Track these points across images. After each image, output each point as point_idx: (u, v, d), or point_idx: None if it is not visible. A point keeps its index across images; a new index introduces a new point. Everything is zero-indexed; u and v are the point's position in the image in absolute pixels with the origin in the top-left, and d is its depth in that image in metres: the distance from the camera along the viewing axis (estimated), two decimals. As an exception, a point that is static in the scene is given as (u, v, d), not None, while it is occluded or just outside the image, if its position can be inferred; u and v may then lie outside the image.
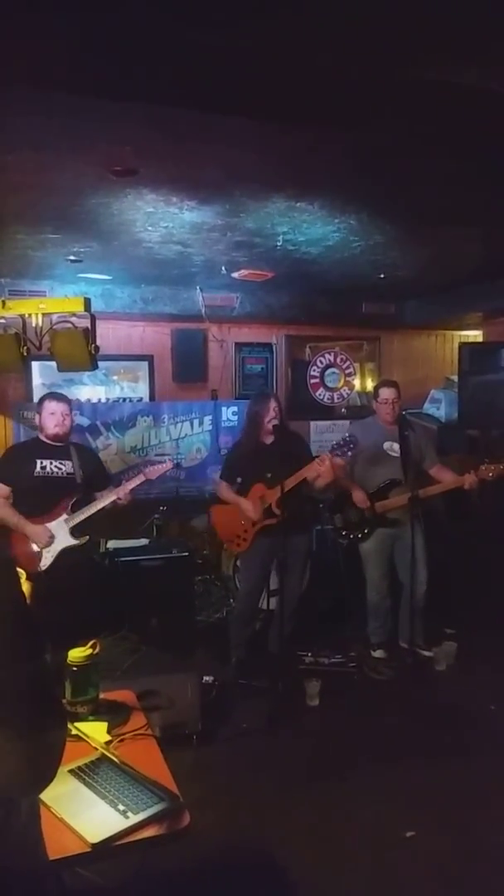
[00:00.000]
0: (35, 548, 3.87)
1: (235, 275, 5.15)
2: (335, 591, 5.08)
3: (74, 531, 3.92)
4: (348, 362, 6.90)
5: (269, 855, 2.70)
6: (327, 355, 6.84)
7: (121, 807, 1.66)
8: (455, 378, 6.37)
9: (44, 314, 3.93)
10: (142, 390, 6.28)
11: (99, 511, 3.99)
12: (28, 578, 3.75)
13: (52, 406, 3.98)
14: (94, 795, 1.72)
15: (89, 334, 3.86)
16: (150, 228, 3.88)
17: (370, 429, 4.57)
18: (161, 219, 3.69)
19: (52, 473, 3.94)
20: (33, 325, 3.95)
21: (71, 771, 1.81)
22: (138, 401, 6.21)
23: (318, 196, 3.37)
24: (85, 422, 5.72)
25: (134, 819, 1.62)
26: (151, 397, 6.27)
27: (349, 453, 4.12)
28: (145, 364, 6.27)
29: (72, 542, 3.91)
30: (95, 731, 2.05)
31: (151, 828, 1.62)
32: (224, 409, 6.20)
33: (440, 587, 4.58)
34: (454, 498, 5.44)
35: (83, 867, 1.89)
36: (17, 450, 4.35)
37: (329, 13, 1.83)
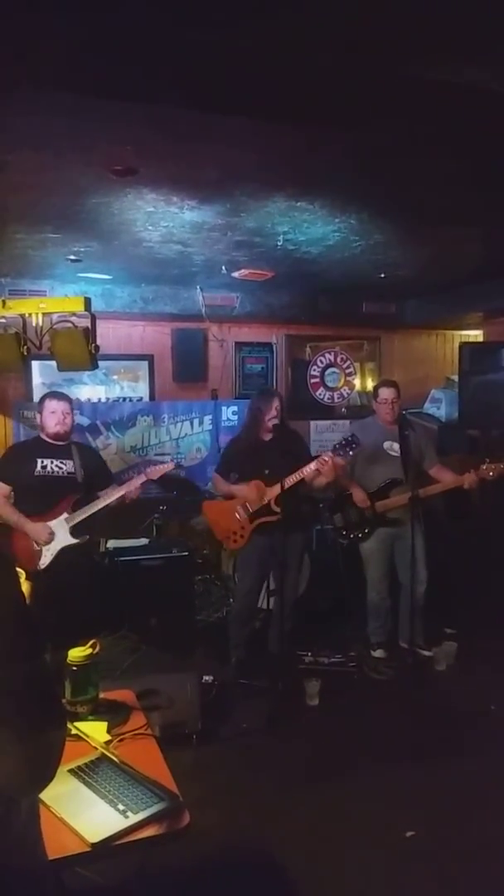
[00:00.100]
0: (35, 546, 3.87)
1: (236, 274, 5.15)
2: (335, 590, 5.08)
3: (74, 530, 3.92)
4: (348, 362, 6.90)
5: (268, 854, 2.70)
6: (327, 355, 6.84)
7: (120, 806, 1.66)
8: (455, 378, 6.37)
9: (44, 314, 3.93)
10: (142, 390, 6.28)
11: (101, 510, 3.99)
12: (28, 578, 3.75)
13: (52, 405, 3.98)
14: (94, 795, 1.72)
15: (89, 334, 3.86)
16: (150, 228, 3.88)
17: (370, 428, 4.57)
18: (161, 218, 3.69)
19: (53, 473, 3.94)
20: (33, 324, 3.94)
21: (71, 770, 1.81)
22: (138, 400, 6.21)
23: (318, 195, 3.37)
24: (85, 421, 5.72)
25: (134, 819, 1.62)
26: (151, 397, 6.27)
27: (351, 453, 4.13)
28: (145, 364, 6.27)
29: (71, 541, 3.91)
30: (95, 730, 2.05)
31: (151, 827, 1.63)
32: (224, 408, 6.20)
33: (440, 587, 4.58)
34: (454, 498, 5.44)
35: (83, 867, 1.89)
36: (17, 449, 4.35)
37: (329, 13, 1.83)
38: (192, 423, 6.10)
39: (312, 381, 6.81)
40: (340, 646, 4.58)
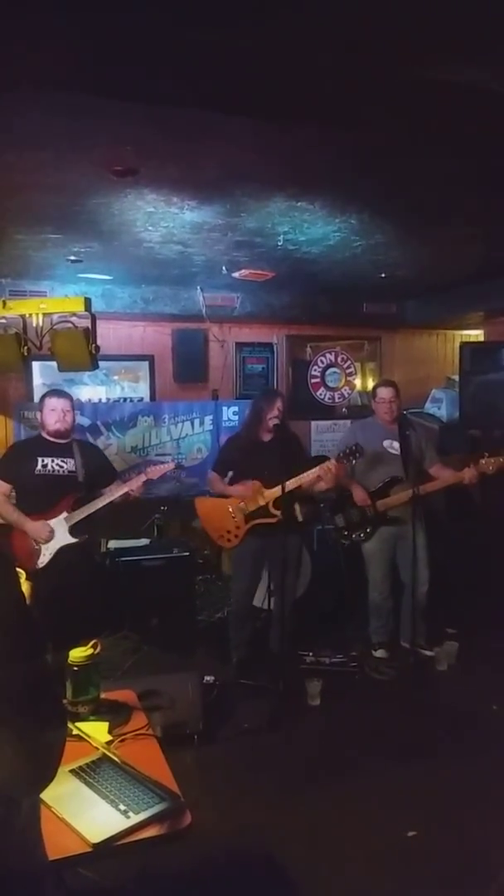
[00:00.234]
0: (34, 545, 3.87)
1: (236, 274, 5.15)
2: (336, 590, 5.08)
3: (74, 530, 3.91)
4: (349, 362, 6.90)
5: (270, 854, 2.70)
6: (328, 355, 6.84)
7: (122, 806, 1.66)
8: (456, 378, 6.37)
9: (44, 314, 3.93)
10: (142, 390, 6.28)
11: (102, 508, 3.98)
12: (28, 578, 3.75)
13: (52, 402, 3.98)
14: (96, 795, 1.72)
15: (90, 334, 3.86)
16: (150, 228, 3.88)
17: (370, 428, 4.60)
18: (162, 219, 3.69)
19: (54, 471, 3.93)
20: (34, 325, 3.94)
21: (72, 771, 1.81)
22: (139, 401, 6.21)
23: (318, 195, 3.37)
24: (86, 422, 5.72)
25: (135, 819, 1.62)
26: (152, 397, 6.27)
27: (354, 462, 4.16)
28: (146, 364, 6.27)
29: (70, 540, 3.90)
30: (96, 730, 2.05)
31: (153, 827, 1.62)
32: (225, 409, 6.20)
33: (442, 587, 4.58)
34: (455, 498, 5.45)
35: (84, 867, 1.89)
36: (18, 447, 4.34)
37: (329, 12, 1.83)
38: (192, 424, 6.10)
39: (313, 381, 6.81)
40: (342, 646, 4.58)
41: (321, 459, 4.73)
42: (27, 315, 3.95)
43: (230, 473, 4.34)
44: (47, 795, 1.59)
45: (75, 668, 2.16)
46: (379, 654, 4.54)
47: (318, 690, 3.91)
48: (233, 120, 2.43)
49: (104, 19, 1.82)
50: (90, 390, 6.07)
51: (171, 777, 1.81)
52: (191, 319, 6.10)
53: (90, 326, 3.88)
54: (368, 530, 4.46)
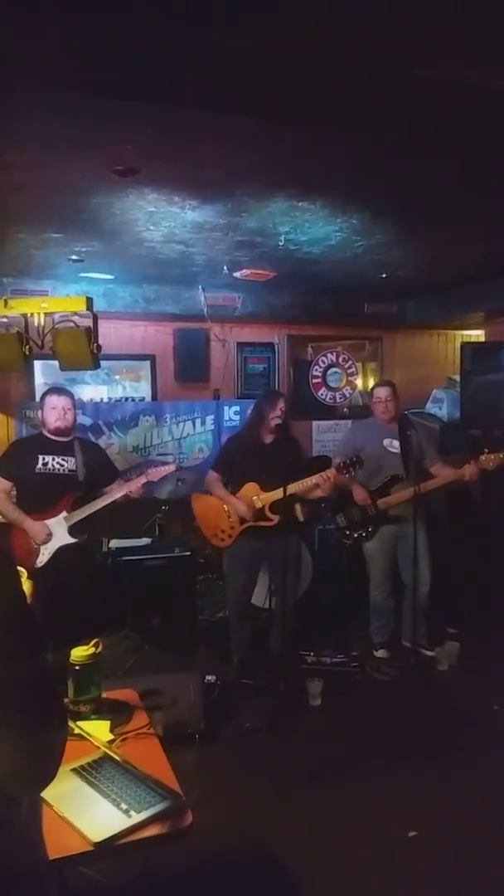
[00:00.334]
0: (33, 544, 3.86)
1: (237, 274, 5.15)
2: (338, 590, 5.08)
3: (73, 529, 3.90)
4: (350, 362, 6.89)
5: (271, 854, 2.70)
6: (329, 355, 6.83)
7: (123, 805, 1.66)
8: (457, 378, 6.36)
9: (46, 313, 3.93)
10: (144, 390, 6.28)
11: (103, 508, 3.97)
12: (29, 577, 3.74)
13: (52, 400, 3.96)
14: (97, 794, 1.72)
15: (91, 333, 3.86)
16: (151, 228, 3.88)
17: (370, 428, 4.62)
18: (163, 218, 3.69)
19: (54, 470, 3.92)
20: (35, 324, 3.95)
21: (74, 770, 1.82)
22: (140, 400, 6.21)
23: (320, 195, 3.37)
24: (87, 421, 5.73)
25: (137, 818, 1.62)
26: (153, 397, 6.27)
27: (354, 474, 4.20)
28: (147, 363, 6.27)
29: (70, 540, 3.89)
30: (98, 729, 2.05)
31: (154, 826, 1.63)
32: (226, 408, 6.20)
33: (443, 587, 4.58)
34: (456, 497, 5.45)
35: (86, 866, 1.89)
36: (19, 445, 4.30)
37: (329, 12, 1.83)
38: (194, 424, 6.10)
39: (314, 381, 6.81)
40: (343, 646, 4.58)
41: (321, 460, 4.75)
42: (29, 314, 3.96)
43: (227, 474, 4.34)
44: (49, 794, 1.60)
45: (77, 668, 2.16)
46: (380, 653, 4.55)
47: (319, 690, 3.91)
48: (234, 119, 2.44)
49: (105, 19, 1.82)
50: (92, 390, 6.07)
51: (173, 776, 1.82)
52: (192, 319, 6.10)
53: (92, 326, 3.89)
54: (370, 529, 4.46)
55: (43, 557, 3.86)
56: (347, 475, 4.17)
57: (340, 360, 6.87)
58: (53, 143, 2.65)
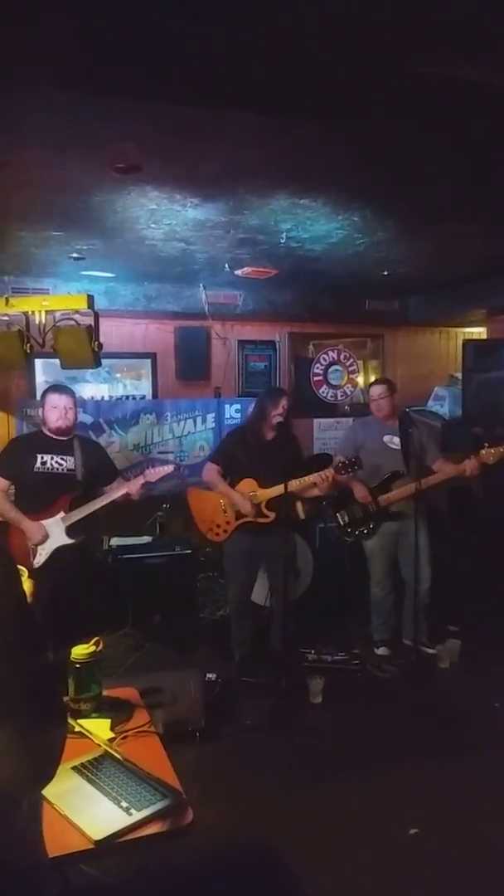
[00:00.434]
0: (30, 544, 3.83)
1: (239, 272, 5.14)
2: (339, 588, 5.08)
3: (70, 530, 3.86)
4: (352, 359, 6.89)
5: (271, 851, 2.71)
6: (331, 352, 6.83)
7: (124, 803, 1.66)
8: (459, 375, 6.36)
9: (47, 311, 3.94)
10: (145, 388, 6.28)
11: (101, 508, 3.95)
12: (30, 576, 3.72)
13: (54, 399, 3.91)
14: (98, 792, 1.72)
15: (92, 332, 3.87)
16: (153, 226, 3.88)
17: (370, 425, 4.64)
18: (164, 216, 3.68)
19: (53, 469, 3.89)
20: (37, 322, 3.95)
21: (74, 768, 1.82)
22: (141, 398, 6.21)
23: (321, 193, 3.37)
24: (88, 419, 5.72)
25: (137, 816, 1.62)
26: (154, 395, 6.26)
27: (353, 474, 4.21)
28: (148, 362, 6.27)
29: (67, 540, 3.86)
30: (98, 727, 2.05)
31: (154, 824, 1.63)
32: (227, 406, 6.19)
33: (444, 584, 4.58)
34: (457, 494, 5.45)
35: (86, 864, 1.89)
36: (18, 443, 4.26)
37: (330, 9, 1.82)
38: (195, 422, 6.10)
39: (315, 378, 6.80)
40: (344, 643, 4.58)
41: (322, 458, 4.75)
42: (30, 312, 3.96)
43: (225, 468, 4.33)
44: (49, 792, 1.60)
45: (77, 666, 2.16)
46: (381, 651, 4.55)
47: (319, 688, 3.91)
48: (235, 117, 2.43)
49: (106, 16, 1.81)
50: (93, 388, 6.07)
51: (173, 774, 1.82)
52: (193, 317, 6.09)
53: (93, 324, 3.89)
54: (371, 526, 4.46)
55: (40, 558, 3.83)
56: (346, 475, 4.18)
57: (342, 357, 6.86)
58: (54, 141, 2.64)
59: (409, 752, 3.43)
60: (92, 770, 1.81)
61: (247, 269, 5.08)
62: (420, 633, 4.42)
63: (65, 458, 3.92)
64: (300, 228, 3.99)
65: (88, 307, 3.90)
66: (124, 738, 2.02)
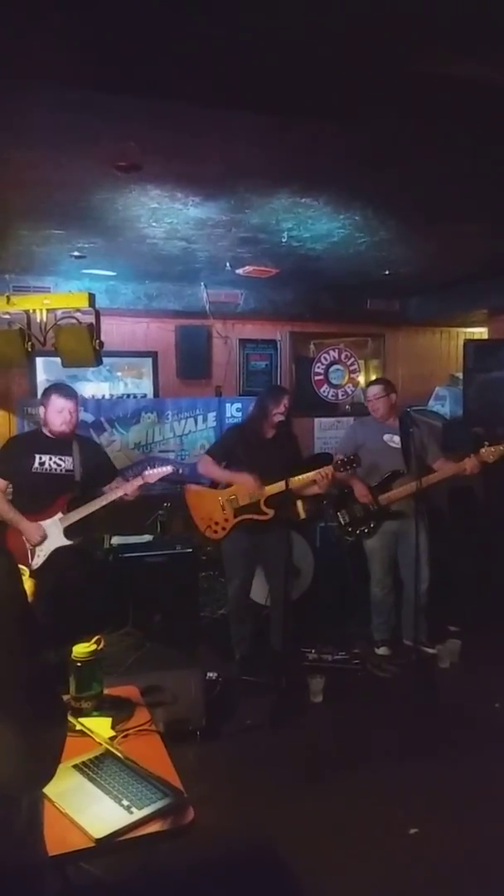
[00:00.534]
0: (27, 545, 3.80)
1: (240, 271, 5.14)
2: (339, 587, 5.08)
3: (69, 531, 3.83)
4: (353, 359, 6.88)
5: (272, 851, 2.71)
6: (332, 352, 6.82)
7: (125, 802, 1.67)
8: (460, 375, 6.35)
9: (48, 310, 3.93)
10: (146, 386, 6.28)
11: (101, 508, 3.92)
12: (31, 575, 3.72)
13: (59, 403, 3.85)
14: (99, 791, 1.73)
15: (94, 330, 3.86)
16: (154, 224, 3.88)
17: (370, 425, 4.65)
18: (165, 215, 3.68)
19: (51, 470, 3.86)
20: (38, 320, 3.94)
21: (75, 766, 1.82)
22: (142, 397, 6.21)
23: (323, 191, 3.36)
24: (89, 418, 5.73)
25: (138, 814, 1.62)
26: (155, 394, 6.26)
27: (352, 472, 4.22)
28: (149, 360, 6.27)
29: (65, 542, 3.82)
30: (99, 726, 2.05)
31: (155, 823, 1.63)
32: (228, 405, 6.20)
33: (444, 584, 4.58)
34: (458, 494, 5.44)
35: (87, 862, 1.90)
36: (16, 442, 4.21)
37: (331, 7, 1.82)
38: (196, 420, 6.10)
39: (316, 378, 6.80)
40: (344, 643, 4.59)
41: (322, 458, 4.75)
42: (31, 311, 3.95)
43: (223, 464, 4.33)
44: (50, 791, 1.60)
45: (78, 664, 2.17)
46: (381, 651, 4.55)
47: (320, 687, 3.91)
48: (236, 115, 2.43)
49: (107, 14, 1.81)
50: (94, 386, 6.07)
51: (174, 773, 1.82)
52: (194, 316, 6.09)
53: (94, 322, 3.88)
54: (371, 525, 4.46)
55: (38, 559, 3.80)
56: (345, 472, 4.17)
57: (343, 357, 6.85)
58: (55, 140, 2.64)
59: (409, 751, 3.44)
60: (93, 768, 1.82)
61: (248, 268, 5.07)
62: (420, 633, 4.42)
63: (63, 458, 3.89)
64: (301, 227, 3.99)
65: (90, 305, 3.89)
66: (125, 736, 2.02)
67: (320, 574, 5.10)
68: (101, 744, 1.94)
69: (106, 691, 2.24)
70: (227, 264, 4.97)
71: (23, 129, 2.55)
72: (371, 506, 4.42)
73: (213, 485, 4.53)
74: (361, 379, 6.94)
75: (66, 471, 3.89)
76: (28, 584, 3.61)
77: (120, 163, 2.84)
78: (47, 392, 4.00)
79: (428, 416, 6.19)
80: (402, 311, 6.74)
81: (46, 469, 3.87)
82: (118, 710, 2.18)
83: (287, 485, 3.88)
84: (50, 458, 3.88)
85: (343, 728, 3.70)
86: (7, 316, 3.96)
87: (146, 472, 4.08)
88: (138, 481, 3.97)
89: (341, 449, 4.67)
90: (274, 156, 2.88)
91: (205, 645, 4.57)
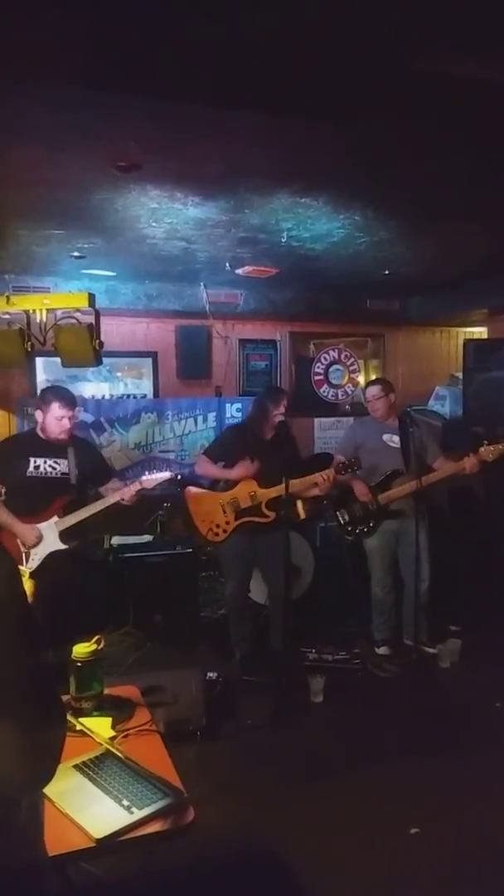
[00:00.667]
0: (22, 548, 3.74)
1: (240, 271, 5.14)
2: (339, 587, 5.08)
3: (64, 535, 3.78)
4: (352, 359, 6.88)
5: (272, 850, 2.71)
6: (331, 352, 6.82)
7: (125, 802, 1.67)
8: (460, 375, 6.36)
9: (48, 310, 3.92)
10: (146, 387, 6.28)
11: (96, 512, 3.85)
12: (31, 576, 3.70)
13: (59, 411, 3.77)
14: (99, 791, 1.73)
15: (93, 330, 3.85)
16: (154, 224, 3.88)
17: (370, 425, 4.64)
18: (165, 214, 3.68)
19: (46, 473, 3.79)
20: (37, 320, 3.94)
21: (76, 766, 1.82)
22: (142, 397, 6.21)
23: (323, 191, 3.36)
24: (89, 418, 5.73)
25: (138, 814, 1.63)
26: (155, 394, 6.26)
27: (352, 474, 4.23)
28: (149, 360, 6.27)
29: (60, 546, 3.77)
30: (100, 726, 2.05)
31: (156, 823, 1.63)
32: (228, 405, 6.20)
33: (445, 584, 4.58)
34: (458, 493, 5.45)
35: (88, 862, 1.90)
36: (11, 445, 4.13)
37: (332, 6, 1.82)
38: (195, 420, 6.10)
39: (316, 378, 6.80)
40: (345, 643, 4.58)
41: (322, 458, 4.75)
42: (31, 311, 3.95)
43: (221, 464, 4.32)
44: (51, 791, 1.60)
45: (79, 664, 2.17)
46: (382, 651, 4.54)
47: (320, 687, 3.91)
48: (236, 115, 2.43)
49: (108, 13, 1.81)
50: (93, 386, 6.07)
51: (174, 773, 1.82)
52: (194, 316, 6.09)
53: (94, 322, 3.88)
54: (371, 524, 4.46)
55: (33, 563, 3.74)
56: (345, 475, 4.18)
57: (343, 357, 6.86)
58: (55, 139, 2.64)
59: (410, 751, 3.44)
60: (93, 768, 1.82)
61: (248, 268, 5.07)
62: (420, 633, 4.42)
63: (58, 461, 3.81)
64: (301, 227, 3.99)
65: (89, 305, 3.89)
66: (125, 736, 2.02)
67: (320, 574, 5.10)
68: (101, 744, 1.94)
69: (106, 691, 2.25)
70: (227, 264, 4.97)
71: (23, 129, 2.55)
72: (371, 505, 4.42)
73: (213, 486, 4.53)
74: (361, 379, 6.94)
75: (62, 474, 3.82)
76: (27, 585, 3.61)
77: (120, 162, 2.84)
78: (46, 397, 3.87)
79: (428, 415, 6.19)
80: (402, 310, 6.74)
81: (41, 473, 3.79)
82: (118, 709, 2.18)
83: (287, 487, 3.88)
84: (45, 462, 3.81)
85: (343, 728, 3.70)
86: (7, 316, 3.96)
87: (144, 478, 3.92)
88: (136, 486, 3.84)
89: (341, 449, 4.68)
90: (274, 156, 2.88)
91: (205, 645, 4.57)
